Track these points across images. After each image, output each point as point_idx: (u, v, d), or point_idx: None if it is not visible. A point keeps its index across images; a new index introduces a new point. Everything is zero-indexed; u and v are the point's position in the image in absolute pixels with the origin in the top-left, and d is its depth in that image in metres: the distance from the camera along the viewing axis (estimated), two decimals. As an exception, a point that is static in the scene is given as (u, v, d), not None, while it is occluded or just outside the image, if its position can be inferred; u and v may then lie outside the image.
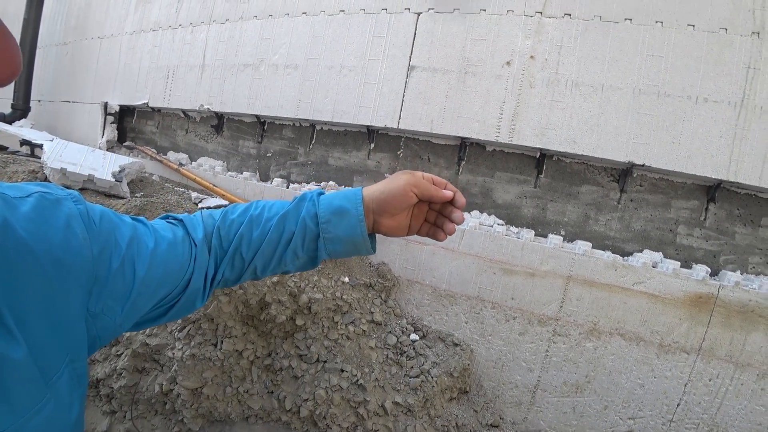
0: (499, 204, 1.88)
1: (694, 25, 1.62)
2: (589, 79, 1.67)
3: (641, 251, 1.71)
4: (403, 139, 2.02)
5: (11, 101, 3.59)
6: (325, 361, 1.72)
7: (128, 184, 2.28)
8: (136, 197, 2.14)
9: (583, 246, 1.69)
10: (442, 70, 1.83)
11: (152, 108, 2.98)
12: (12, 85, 3.64)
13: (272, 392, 1.71)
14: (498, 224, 1.83)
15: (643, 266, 1.64)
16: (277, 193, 2.25)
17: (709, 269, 1.63)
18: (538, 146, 1.72)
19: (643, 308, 1.64)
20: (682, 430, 1.67)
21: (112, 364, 1.80)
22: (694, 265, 1.65)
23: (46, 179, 2.04)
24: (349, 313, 1.82)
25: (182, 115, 2.88)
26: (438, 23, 1.84)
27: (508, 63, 1.73)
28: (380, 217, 0.65)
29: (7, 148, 2.50)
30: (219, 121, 2.68)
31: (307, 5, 2.19)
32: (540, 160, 1.79)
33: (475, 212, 1.88)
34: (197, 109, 2.66)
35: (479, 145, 1.89)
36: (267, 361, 1.73)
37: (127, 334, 1.71)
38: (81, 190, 2.03)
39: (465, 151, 1.89)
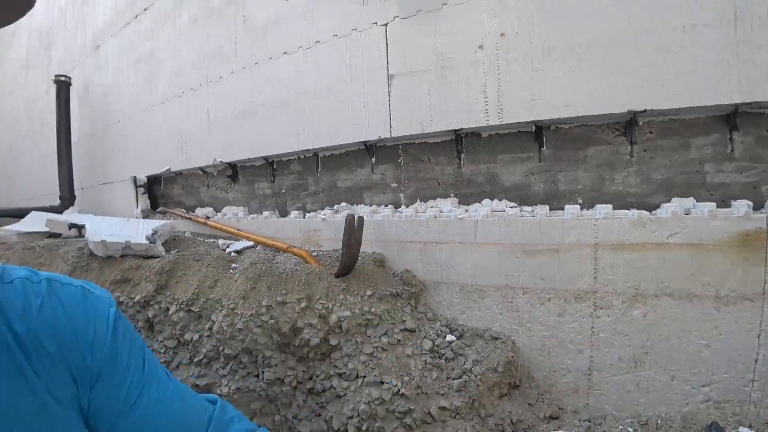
0: (507, 187, 1.96)
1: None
2: (563, 42, 1.75)
3: (669, 201, 1.71)
4: (400, 147, 2.19)
5: (59, 194, 4.26)
6: (364, 376, 1.85)
7: (163, 244, 2.62)
8: (171, 254, 2.46)
9: (603, 209, 1.73)
10: (420, 71, 1.99)
11: (174, 172, 3.41)
12: (57, 179, 4.31)
13: (320, 414, 1.86)
14: (510, 207, 1.90)
15: (673, 216, 1.63)
16: (295, 224, 2.48)
17: (751, 203, 1.59)
18: (530, 120, 1.80)
19: (686, 261, 1.63)
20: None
21: (172, 413, 2.05)
22: (732, 203, 1.62)
23: (91, 253, 2.42)
24: (380, 325, 1.95)
25: (201, 173, 3.26)
26: (405, 27, 2.03)
27: (480, 47, 1.86)
28: None
29: (61, 234, 2.98)
30: (233, 171, 3.01)
31: (286, 45, 2.48)
32: (537, 133, 1.87)
33: (486, 200, 1.98)
34: (212, 163, 3.02)
35: (474, 134, 2.00)
36: (309, 384, 1.89)
37: (178, 377, 1.96)
38: (121, 256, 2.38)
39: (462, 143, 2.01)
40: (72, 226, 2.92)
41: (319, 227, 2.36)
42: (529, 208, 1.89)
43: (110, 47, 4.24)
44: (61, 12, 5.17)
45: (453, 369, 1.85)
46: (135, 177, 3.60)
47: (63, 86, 4.44)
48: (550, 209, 1.85)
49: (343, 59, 2.24)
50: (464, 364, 1.86)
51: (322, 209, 2.45)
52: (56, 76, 4.46)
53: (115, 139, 4.12)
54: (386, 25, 2.08)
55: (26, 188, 6.06)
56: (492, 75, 1.84)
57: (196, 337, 2.04)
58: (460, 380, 1.81)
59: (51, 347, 0.51)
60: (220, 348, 1.92)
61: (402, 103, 2.05)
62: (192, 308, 2.10)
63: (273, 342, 1.91)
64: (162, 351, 2.08)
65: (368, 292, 2.03)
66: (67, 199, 4.26)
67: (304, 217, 2.50)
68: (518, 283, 1.86)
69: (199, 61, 3.15)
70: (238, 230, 2.69)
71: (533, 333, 1.87)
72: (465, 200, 2.05)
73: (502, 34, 1.81)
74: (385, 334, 1.93)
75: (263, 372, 1.86)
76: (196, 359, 1.98)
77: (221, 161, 2.92)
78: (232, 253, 2.48)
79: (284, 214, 2.70)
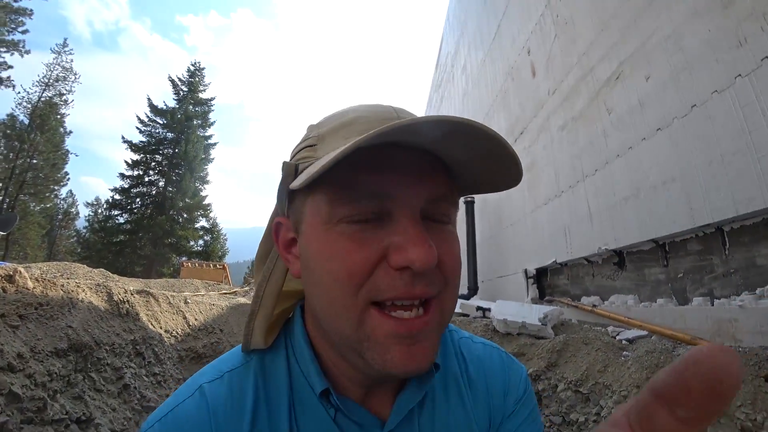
0: None
1: None
2: None
3: None
4: None
5: (467, 285, 5.61)
6: None
7: (552, 327, 2.97)
8: (560, 336, 2.75)
9: None
10: None
11: (559, 263, 3.83)
12: (465, 274, 5.71)
13: None
14: None
15: None
16: (700, 313, 2.25)
17: None
18: None
19: None
20: None
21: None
22: None
23: (494, 329, 3.06)
24: None
25: (585, 262, 3.51)
26: None
27: None
28: None
29: (468, 315, 3.92)
30: (619, 258, 3.09)
31: (657, 122, 2.58)
32: None
33: None
34: (596, 252, 3.23)
35: None
36: None
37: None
38: (517, 334, 2.88)
39: None
40: (479, 308, 3.79)
41: (736, 316, 2.04)
42: None
43: (501, 168, 5.73)
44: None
45: None
46: (526, 269, 4.29)
47: (470, 205, 6.26)
48: None
49: (730, 112, 2.08)
50: None
51: (738, 294, 2.12)
52: (465, 198, 6.20)
53: (507, 239, 5.16)
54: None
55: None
56: None
57: (582, 419, 2.14)
58: None
59: (480, 385, 0.67)
60: (611, 436, 1.94)
61: None
62: (580, 389, 2.25)
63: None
64: (547, 425, 2.30)
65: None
66: (473, 289, 5.59)
67: (713, 305, 2.23)
68: None
69: (572, 161, 3.67)
70: (628, 318, 2.69)
71: None
72: None
73: None
74: None
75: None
76: (582, 441, 2.06)
77: (606, 248, 3.09)
78: (623, 341, 2.50)
79: (683, 301, 2.50)
